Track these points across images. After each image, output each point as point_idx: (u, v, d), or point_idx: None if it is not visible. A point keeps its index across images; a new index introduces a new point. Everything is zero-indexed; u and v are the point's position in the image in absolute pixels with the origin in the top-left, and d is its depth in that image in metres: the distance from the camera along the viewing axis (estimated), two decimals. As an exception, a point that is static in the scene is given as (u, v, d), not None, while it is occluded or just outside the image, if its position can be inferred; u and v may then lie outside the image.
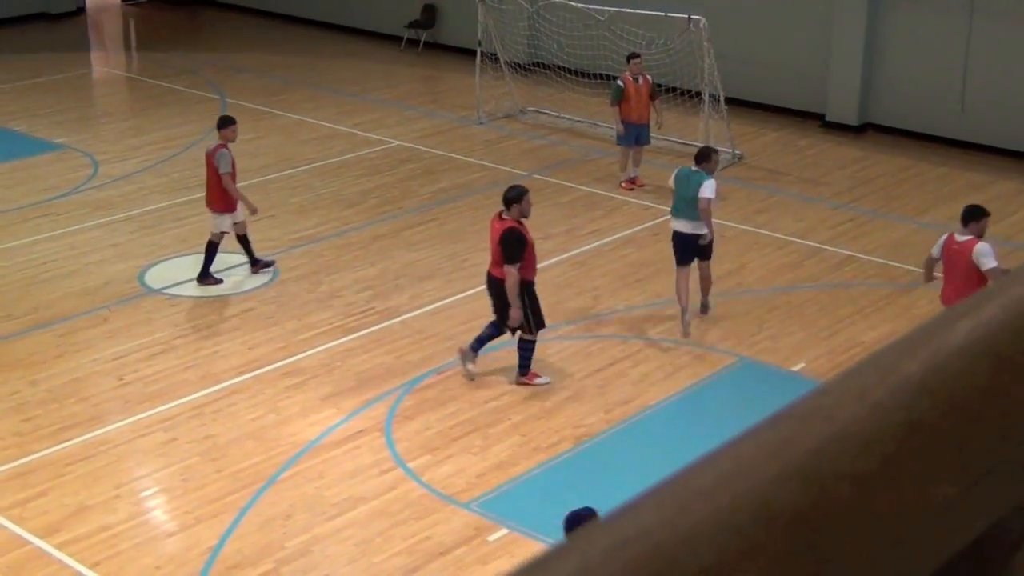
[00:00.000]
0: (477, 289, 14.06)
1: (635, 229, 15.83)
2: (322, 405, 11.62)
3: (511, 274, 11.59)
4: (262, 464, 10.62)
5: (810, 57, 20.53)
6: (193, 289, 14.08)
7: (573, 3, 19.90)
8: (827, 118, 20.40)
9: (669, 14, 18.63)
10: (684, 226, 12.98)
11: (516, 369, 12.03)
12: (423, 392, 11.88)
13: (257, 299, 13.83)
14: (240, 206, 14.03)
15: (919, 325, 0.80)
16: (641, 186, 17.23)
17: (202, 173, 17.93)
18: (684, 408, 11.68)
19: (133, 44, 28.78)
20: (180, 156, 18.78)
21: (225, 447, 10.87)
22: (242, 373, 12.18)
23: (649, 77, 17.49)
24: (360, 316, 13.45)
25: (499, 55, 20.84)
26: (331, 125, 20.18)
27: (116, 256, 14.98)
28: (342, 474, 10.47)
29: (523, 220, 11.78)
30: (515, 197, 11.74)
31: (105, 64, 26.47)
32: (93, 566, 9.34)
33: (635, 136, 17.24)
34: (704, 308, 13.45)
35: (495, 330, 12.03)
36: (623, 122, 17.14)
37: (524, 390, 11.86)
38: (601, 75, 20.43)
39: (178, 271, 14.55)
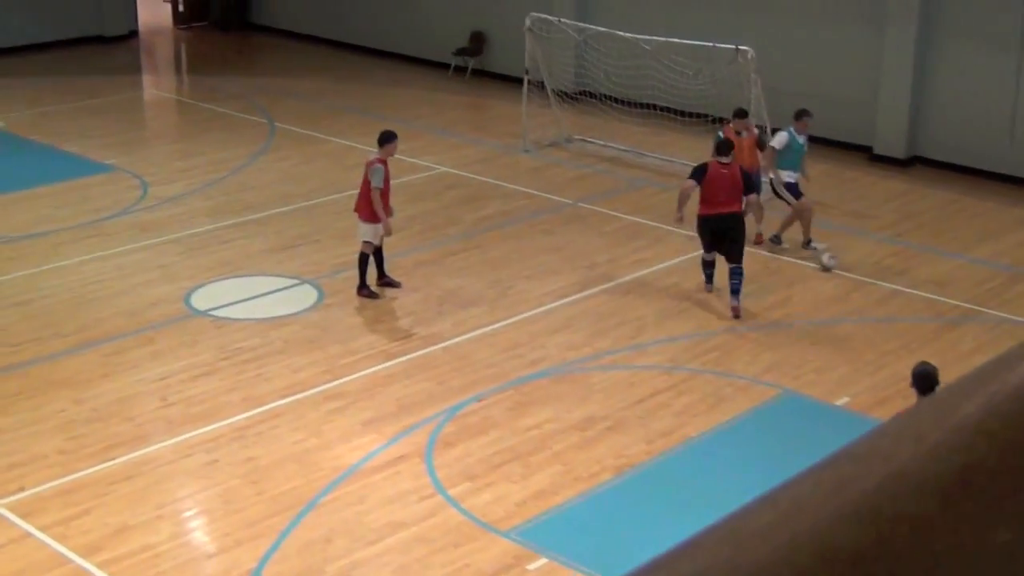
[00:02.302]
0: (520, 316, 14.08)
1: (679, 259, 15.79)
2: (363, 430, 11.65)
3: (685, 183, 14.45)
4: (303, 487, 10.64)
5: (859, 89, 20.47)
6: (238, 311, 14.17)
7: (620, 33, 19.94)
8: (875, 151, 20.31)
9: (717, 44, 18.63)
10: None
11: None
12: (464, 419, 11.89)
13: (301, 323, 13.89)
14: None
15: (977, 367, 0.79)
16: (759, 243, 16.14)
17: (248, 196, 18.16)
18: (727, 440, 11.61)
19: (184, 67, 29.09)
20: (227, 179, 18.95)
21: (266, 470, 10.91)
22: (285, 396, 12.24)
23: (755, 129, 16.64)
24: (403, 342, 13.48)
25: (546, 83, 20.90)
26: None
27: (163, 277, 15.10)
28: (382, 499, 10.48)
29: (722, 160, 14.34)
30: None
31: (156, 87, 26.76)
32: (134, 586, 9.38)
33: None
34: None
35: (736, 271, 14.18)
36: None
37: (565, 418, 11.83)
38: (648, 104, 20.46)
39: (223, 293, 14.66)
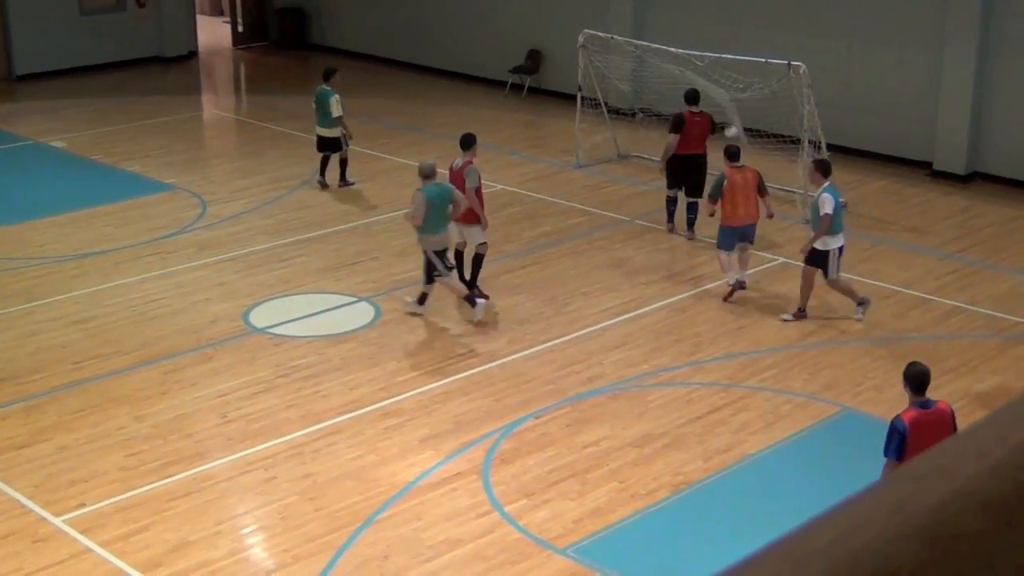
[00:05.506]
0: (577, 333, 14.06)
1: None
2: (420, 447, 11.67)
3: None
4: (360, 504, 10.68)
5: (918, 105, 20.30)
6: (296, 329, 14.26)
7: (673, 49, 19.90)
8: (935, 167, 20.12)
9: (769, 60, 18.54)
10: None
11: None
12: (521, 436, 11.88)
13: (358, 340, 13.96)
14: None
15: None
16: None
17: (306, 214, 18.28)
18: (785, 457, 11.53)
19: (243, 87, 29.37)
20: (286, 198, 19.09)
21: (324, 486, 10.96)
22: (342, 413, 12.29)
23: (756, 171, 15.02)
24: (459, 359, 13.51)
25: (600, 100, 20.89)
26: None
27: (222, 295, 15.23)
28: (439, 516, 10.50)
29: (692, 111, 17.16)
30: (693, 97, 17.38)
31: (216, 107, 27.03)
32: (193, 601, 9.45)
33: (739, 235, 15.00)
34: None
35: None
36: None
37: (622, 435, 11.80)
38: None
39: (282, 311, 14.76)
